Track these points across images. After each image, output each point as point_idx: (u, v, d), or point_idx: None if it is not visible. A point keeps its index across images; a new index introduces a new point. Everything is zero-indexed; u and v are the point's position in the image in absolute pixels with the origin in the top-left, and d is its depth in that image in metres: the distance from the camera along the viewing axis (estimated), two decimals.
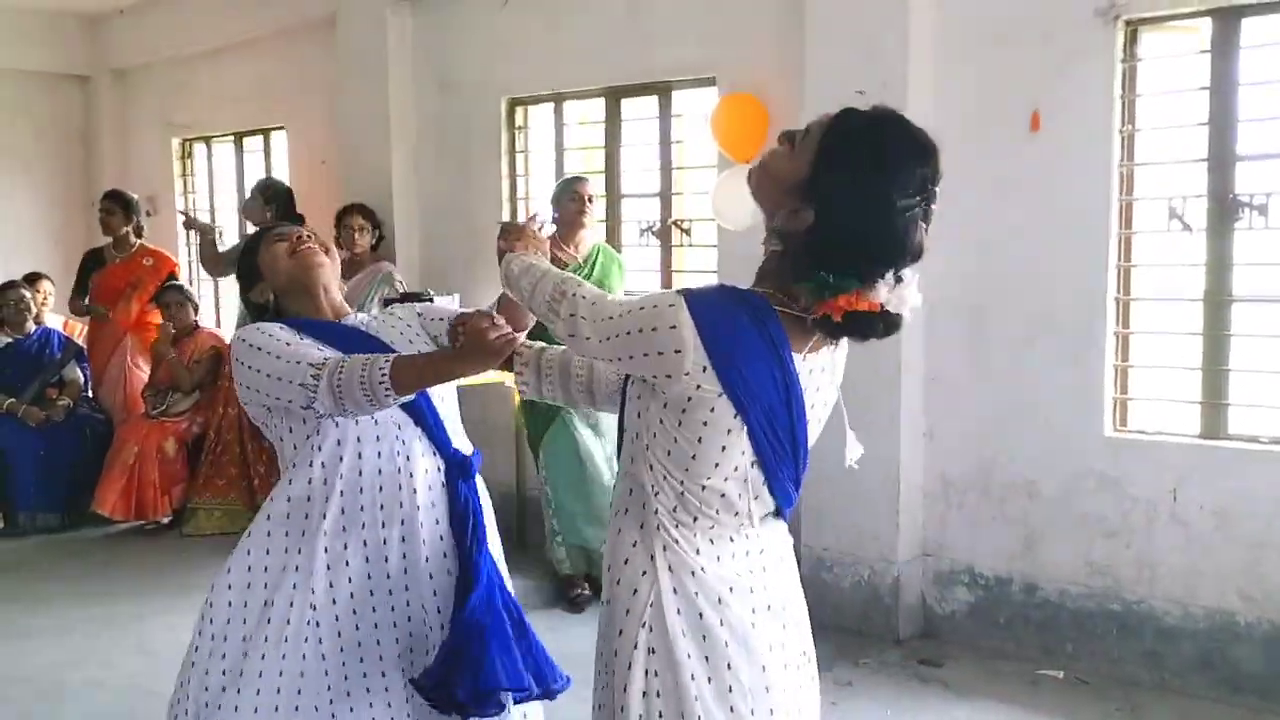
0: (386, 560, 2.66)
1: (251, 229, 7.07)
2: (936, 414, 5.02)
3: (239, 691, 2.60)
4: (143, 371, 7.55)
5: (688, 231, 5.99)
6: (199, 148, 9.23)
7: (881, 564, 5.04)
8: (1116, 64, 4.51)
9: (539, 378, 2.63)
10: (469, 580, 2.62)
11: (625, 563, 2.18)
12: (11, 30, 9.21)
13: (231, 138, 8.81)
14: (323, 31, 7.56)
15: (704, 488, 2.11)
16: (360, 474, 2.64)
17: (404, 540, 2.67)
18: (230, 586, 2.68)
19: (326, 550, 2.64)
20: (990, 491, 4.90)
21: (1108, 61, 4.51)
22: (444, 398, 2.83)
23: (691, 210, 6.02)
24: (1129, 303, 4.64)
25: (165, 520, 7.04)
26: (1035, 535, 4.79)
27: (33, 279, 7.79)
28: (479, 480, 2.80)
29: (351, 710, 2.64)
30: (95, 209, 7.78)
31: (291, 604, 2.62)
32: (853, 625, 5.09)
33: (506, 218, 6.75)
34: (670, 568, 2.13)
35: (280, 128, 8.30)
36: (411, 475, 2.67)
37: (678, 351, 2.02)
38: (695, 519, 2.13)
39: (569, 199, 5.58)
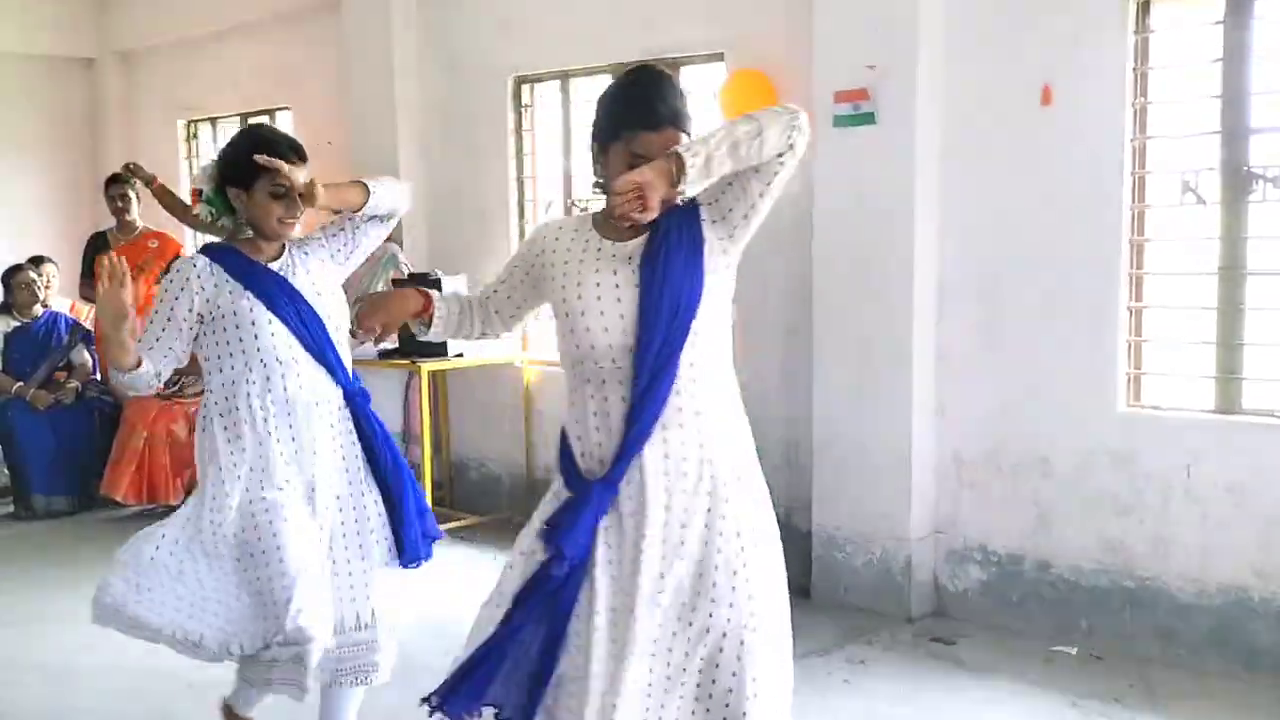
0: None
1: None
2: (948, 391, 5.00)
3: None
4: None
5: None
6: (204, 129, 9.21)
7: (893, 542, 5.03)
8: (1129, 36, 4.47)
9: (444, 324, 2.90)
10: (385, 480, 3.40)
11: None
12: (17, 14, 9.18)
13: (237, 119, 8.78)
14: (328, 12, 7.53)
15: None
16: (288, 401, 3.28)
17: (315, 454, 3.32)
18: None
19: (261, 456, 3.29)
20: (1003, 469, 4.88)
21: (1120, 34, 4.47)
22: (340, 340, 3.39)
23: None
24: (1142, 277, 4.60)
25: (177, 503, 7.03)
26: (1048, 512, 4.77)
27: (37, 262, 7.77)
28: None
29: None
30: (103, 193, 7.74)
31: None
32: (865, 604, 5.08)
33: (514, 197, 6.73)
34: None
35: (285, 109, 8.27)
36: (318, 404, 3.32)
37: None
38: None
39: None
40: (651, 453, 2.52)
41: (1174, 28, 4.54)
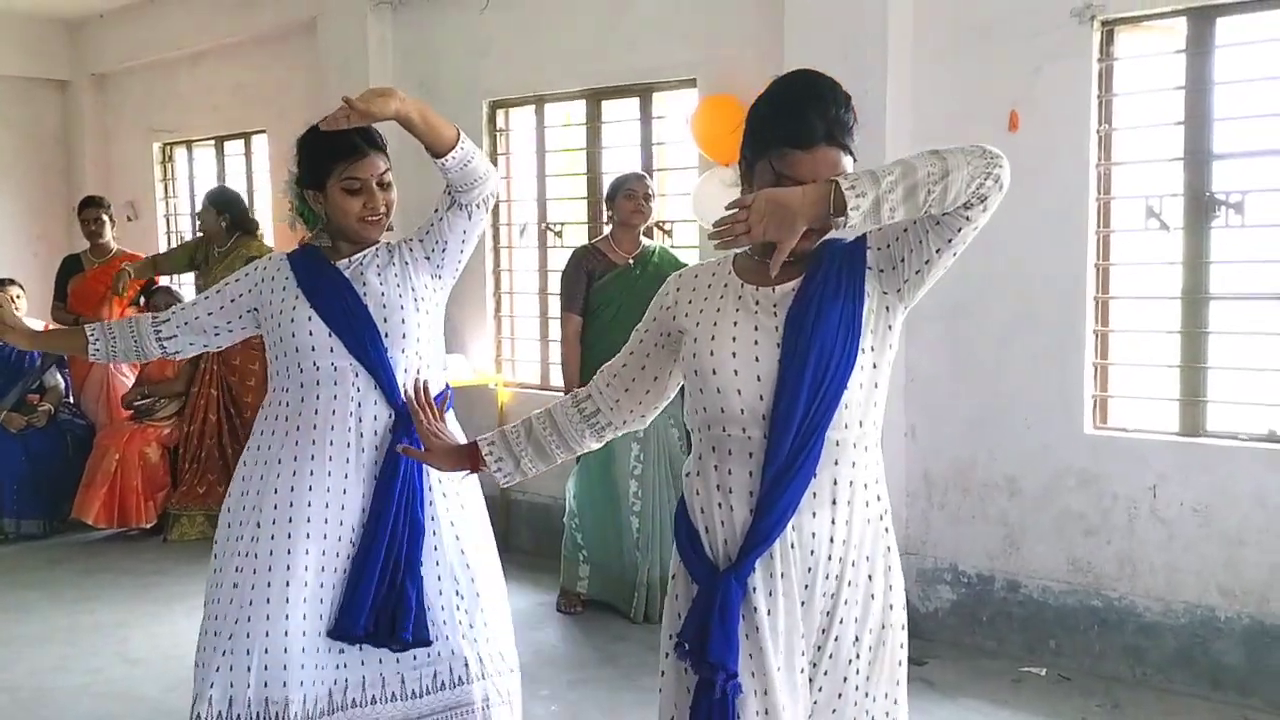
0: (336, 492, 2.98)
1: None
2: (917, 413, 5.05)
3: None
4: (125, 378, 7.52)
5: (669, 233, 6.00)
6: (180, 152, 9.22)
7: None
8: (1093, 64, 4.54)
9: (515, 461, 2.50)
10: (374, 525, 2.94)
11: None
12: None
13: (212, 142, 8.80)
14: (304, 35, 7.56)
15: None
16: (316, 413, 2.97)
17: (346, 477, 2.97)
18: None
19: (279, 476, 2.98)
20: (972, 490, 4.92)
21: (1084, 62, 4.54)
22: (404, 350, 3.02)
23: (673, 211, 6.04)
24: (1108, 301, 4.67)
25: (148, 526, 7.02)
26: (1017, 533, 4.81)
27: (1, 284, 7.74)
28: (454, 423, 3.02)
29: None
30: (77, 215, 7.74)
31: (259, 525, 2.98)
32: None
33: (488, 220, 6.74)
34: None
35: (261, 131, 8.29)
36: (360, 420, 2.97)
37: None
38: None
39: (624, 197, 5.34)
40: (782, 543, 2.15)
41: (1137, 55, 4.62)
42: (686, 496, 2.29)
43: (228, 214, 7.01)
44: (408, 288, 3.04)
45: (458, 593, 3.06)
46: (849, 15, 4.92)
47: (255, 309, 3.10)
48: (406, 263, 3.07)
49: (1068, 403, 4.65)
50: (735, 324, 2.19)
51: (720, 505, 2.19)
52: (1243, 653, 4.32)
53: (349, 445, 2.98)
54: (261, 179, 8.30)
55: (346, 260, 3.07)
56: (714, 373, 2.17)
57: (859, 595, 2.21)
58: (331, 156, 2.98)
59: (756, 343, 2.16)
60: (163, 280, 8.02)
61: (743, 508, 2.16)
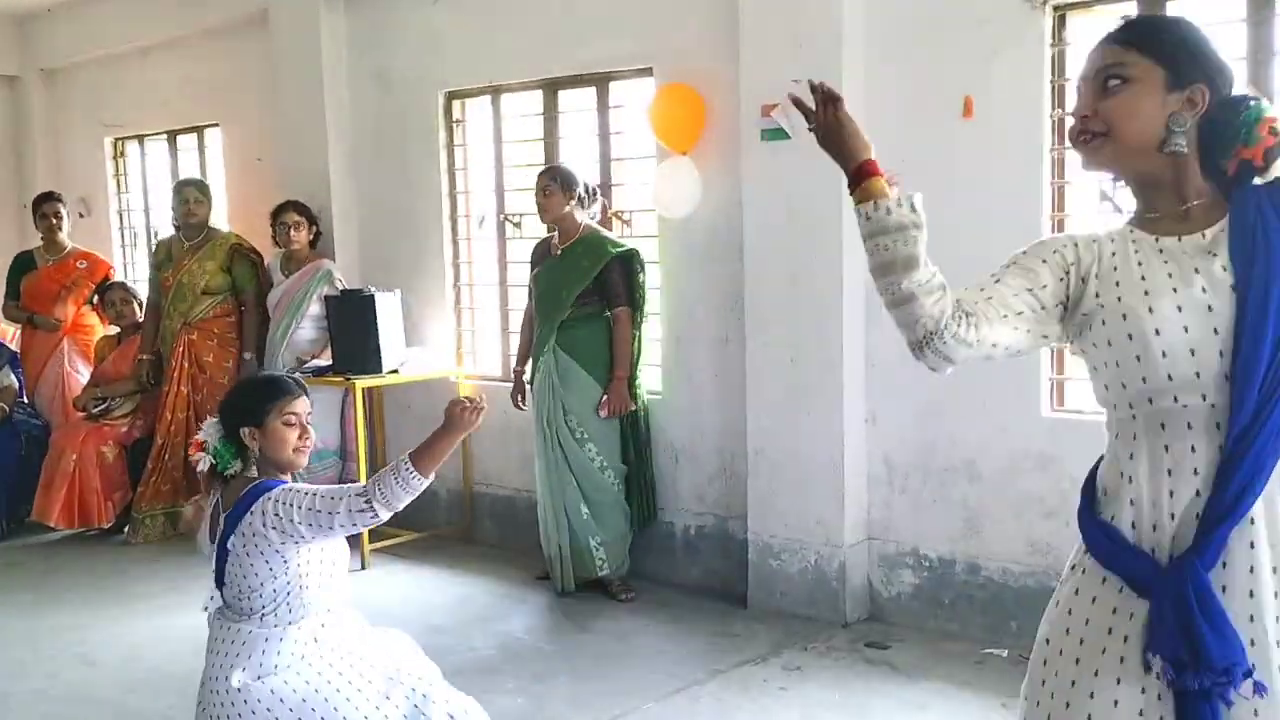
0: None
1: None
2: (877, 398, 5.07)
3: None
4: (80, 376, 7.44)
5: (628, 222, 6.00)
6: (132, 147, 9.10)
7: (827, 549, 5.09)
8: (1046, 49, 4.57)
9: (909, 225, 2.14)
10: None
11: None
12: None
13: (165, 136, 8.69)
14: (256, 27, 7.48)
15: None
16: None
17: None
18: None
19: None
20: (932, 474, 4.96)
21: (1037, 47, 4.57)
22: None
23: (632, 201, 6.03)
24: None
25: (107, 526, 6.94)
26: (977, 516, 4.85)
27: None
28: None
29: None
30: (30, 212, 7.64)
31: None
32: (800, 610, 5.13)
33: (446, 212, 6.72)
34: None
35: (214, 125, 8.20)
36: None
37: None
38: None
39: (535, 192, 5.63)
40: (1255, 522, 1.87)
41: (1090, 40, 4.64)
42: (1107, 483, 2.08)
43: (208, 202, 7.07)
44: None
45: None
46: (802, 3, 4.93)
47: None
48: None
49: (1025, 386, 4.69)
50: (1170, 276, 1.95)
51: (1173, 492, 1.93)
52: None
53: None
54: (216, 173, 8.22)
55: None
56: (1158, 333, 1.92)
57: None
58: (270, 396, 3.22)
59: (1205, 290, 1.91)
60: (117, 275, 7.95)
61: (1189, 488, 1.91)
